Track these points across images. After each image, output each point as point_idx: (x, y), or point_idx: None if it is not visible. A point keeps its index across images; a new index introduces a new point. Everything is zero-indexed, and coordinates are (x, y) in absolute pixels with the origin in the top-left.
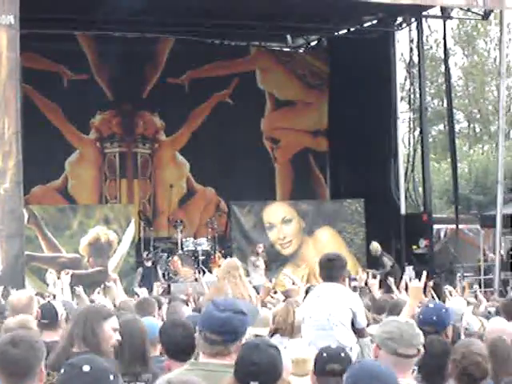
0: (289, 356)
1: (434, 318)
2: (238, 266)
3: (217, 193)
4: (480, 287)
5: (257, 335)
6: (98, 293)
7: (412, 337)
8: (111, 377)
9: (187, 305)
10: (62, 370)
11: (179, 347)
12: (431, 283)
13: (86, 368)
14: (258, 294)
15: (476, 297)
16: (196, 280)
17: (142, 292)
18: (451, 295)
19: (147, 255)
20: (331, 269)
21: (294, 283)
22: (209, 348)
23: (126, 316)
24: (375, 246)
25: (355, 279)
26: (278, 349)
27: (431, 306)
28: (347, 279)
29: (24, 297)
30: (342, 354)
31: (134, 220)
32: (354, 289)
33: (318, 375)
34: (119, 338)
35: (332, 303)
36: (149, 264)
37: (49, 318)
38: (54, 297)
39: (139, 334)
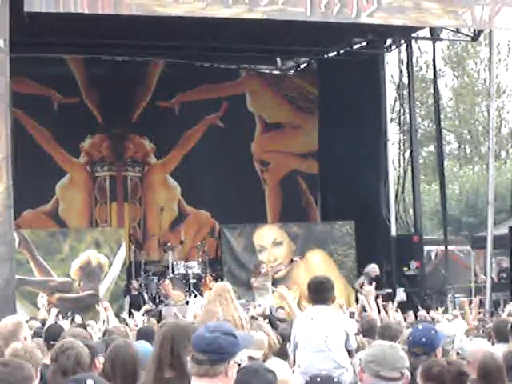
0: None
1: (424, 339)
2: (229, 289)
3: (212, 216)
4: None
5: (250, 357)
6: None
7: (395, 360)
8: None
9: None
10: None
11: None
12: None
13: (90, 382)
14: (271, 319)
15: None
16: (187, 303)
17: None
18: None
19: (137, 284)
20: (323, 291)
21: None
22: (196, 368)
23: (117, 341)
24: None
25: (353, 313)
26: (275, 374)
27: (420, 327)
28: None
29: (10, 322)
30: (335, 380)
31: (125, 243)
32: (351, 315)
33: None
34: None
35: (328, 325)
36: (135, 293)
37: None
38: (44, 322)
39: (131, 358)
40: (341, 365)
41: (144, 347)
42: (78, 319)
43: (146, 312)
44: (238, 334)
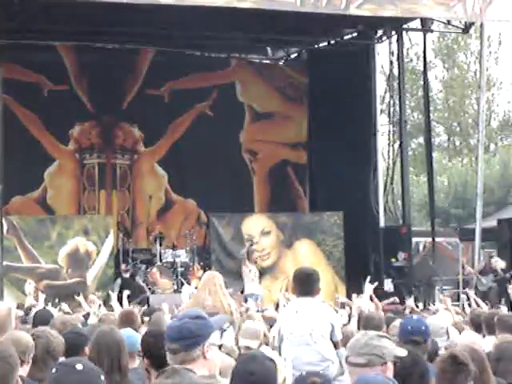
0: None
1: (423, 327)
2: (218, 278)
3: (197, 204)
4: (459, 300)
5: (247, 347)
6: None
7: (362, 346)
8: (102, 377)
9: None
10: (54, 369)
11: (162, 359)
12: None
13: (79, 366)
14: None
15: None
16: (174, 292)
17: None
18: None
19: (125, 266)
20: (310, 283)
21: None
22: (173, 358)
23: (103, 327)
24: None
25: (344, 303)
26: (274, 361)
27: (415, 317)
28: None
29: (3, 308)
30: (321, 372)
31: (113, 231)
32: (342, 305)
33: None
34: None
35: (313, 318)
36: (127, 275)
37: None
38: (31, 309)
39: (117, 344)
40: (326, 358)
41: (128, 334)
42: (65, 307)
43: (128, 297)
44: (208, 317)
